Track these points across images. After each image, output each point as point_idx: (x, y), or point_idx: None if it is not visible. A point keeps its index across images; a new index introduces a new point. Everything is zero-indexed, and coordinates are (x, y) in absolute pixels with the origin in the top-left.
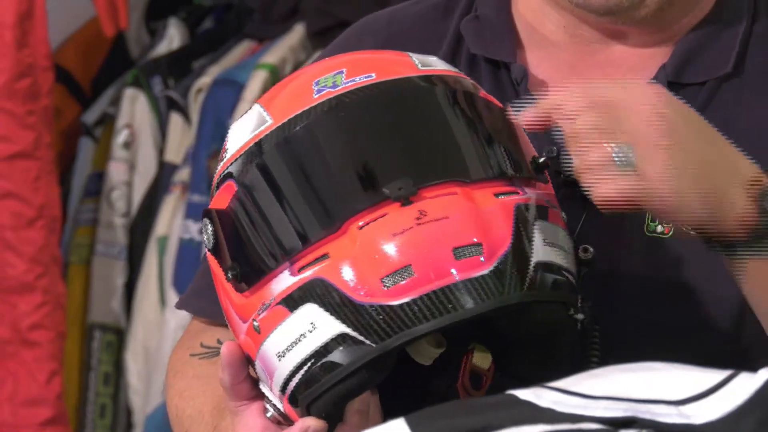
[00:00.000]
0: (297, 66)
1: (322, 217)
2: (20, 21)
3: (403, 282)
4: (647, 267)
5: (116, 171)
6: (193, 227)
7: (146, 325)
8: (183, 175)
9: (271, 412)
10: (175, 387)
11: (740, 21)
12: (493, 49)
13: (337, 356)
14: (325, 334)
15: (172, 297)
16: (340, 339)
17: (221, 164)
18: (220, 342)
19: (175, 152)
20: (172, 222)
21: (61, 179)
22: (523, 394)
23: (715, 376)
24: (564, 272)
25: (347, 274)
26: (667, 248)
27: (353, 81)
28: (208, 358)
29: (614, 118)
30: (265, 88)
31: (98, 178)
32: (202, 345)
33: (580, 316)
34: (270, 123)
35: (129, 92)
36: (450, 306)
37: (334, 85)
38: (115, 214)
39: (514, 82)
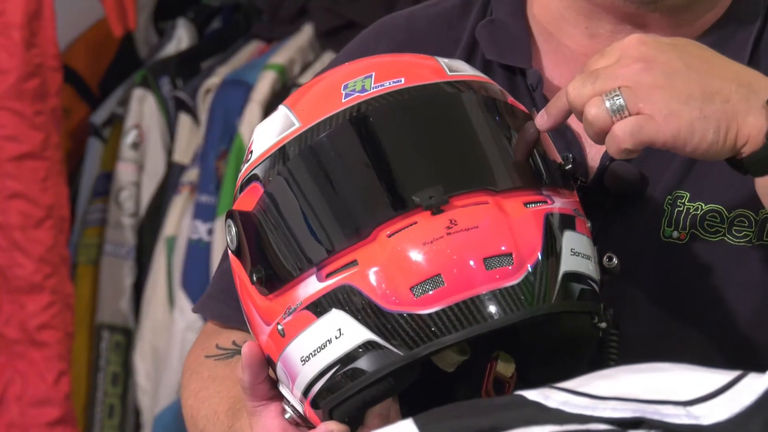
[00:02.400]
0: (305, 66)
1: (351, 223)
2: (29, 21)
3: (433, 291)
4: (663, 273)
5: (125, 171)
6: (202, 228)
7: (155, 326)
8: (191, 175)
9: (289, 413)
10: (190, 387)
11: (754, 21)
12: (508, 55)
13: (363, 363)
14: (352, 340)
15: (181, 297)
16: (367, 346)
17: (246, 165)
18: (235, 344)
19: (183, 153)
20: (180, 222)
21: (69, 179)
22: (532, 394)
23: (724, 377)
24: (590, 281)
25: (376, 281)
26: (682, 254)
27: (382, 86)
28: (224, 360)
29: (598, 75)
30: (274, 89)
31: (107, 178)
32: (217, 346)
33: (603, 325)
34: (298, 126)
35: (137, 93)
36: (479, 316)
37: (363, 90)
38: (123, 214)
39: (529, 88)
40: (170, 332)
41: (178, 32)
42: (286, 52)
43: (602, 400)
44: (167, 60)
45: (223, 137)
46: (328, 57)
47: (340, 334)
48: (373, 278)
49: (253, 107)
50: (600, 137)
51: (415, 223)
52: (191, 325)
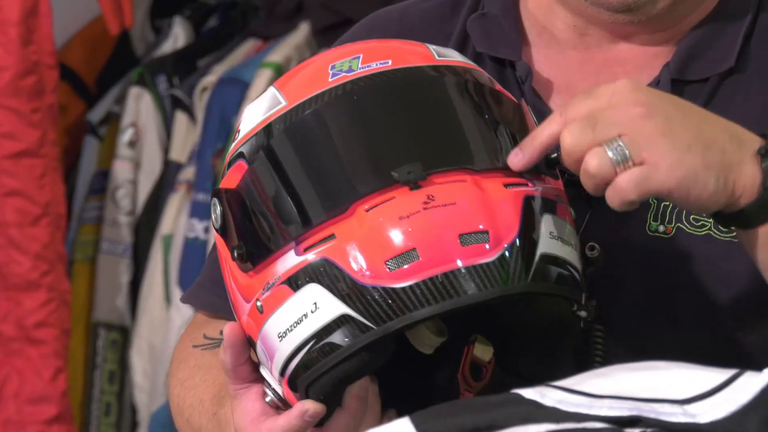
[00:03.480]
0: None
1: (330, 198)
2: (25, 18)
3: (408, 265)
4: (649, 267)
5: (121, 169)
6: (198, 226)
7: (151, 323)
8: (188, 173)
9: (270, 396)
10: (177, 377)
11: (744, 16)
12: (498, 47)
13: (337, 337)
14: (326, 314)
15: (177, 295)
16: (342, 320)
17: (233, 144)
18: (222, 334)
19: (180, 151)
20: (177, 220)
21: (66, 177)
22: (528, 393)
23: (720, 375)
24: (569, 267)
25: (352, 255)
26: (669, 248)
27: (369, 66)
28: (210, 349)
29: (596, 121)
30: None
31: (103, 176)
32: (205, 336)
33: (583, 314)
34: (284, 105)
35: (134, 91)
36: (453, 291)
37: (350, 70)
38: (120, 212)
39: (519, 80)
40: (167, 330)
41: (174, 30)
42: (282, 51)
43: (598, 399)
44: (164, 58)
45: (220, 135)
46: None
47: (315, 308)
48: (349, 252)
49: None
50: (600, 188)
51: (393, 198)
52: (188, 323)
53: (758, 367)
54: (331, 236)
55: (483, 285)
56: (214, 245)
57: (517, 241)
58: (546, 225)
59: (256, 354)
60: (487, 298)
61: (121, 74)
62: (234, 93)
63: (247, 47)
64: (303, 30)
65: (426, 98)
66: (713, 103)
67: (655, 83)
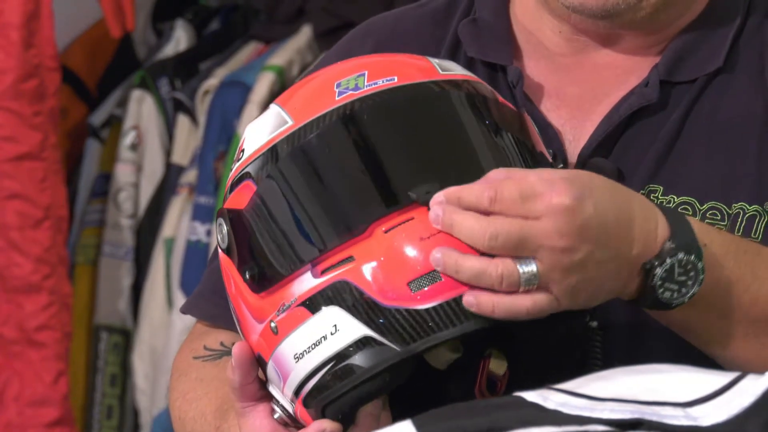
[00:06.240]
0: (304, 68)
1: (347, 219)
2: (27, 21)
3: (430, 286)
4: None
5: (123, 172)
6: (200, 229)
7: (153, 327)
8: (190, 176)
9: (278, 413)
10: (179, 389)
11: (733, 18)
12: (489, 53)
13: (358, 359)
14: (347, 336)
15: (179, 298)
16: (363, 342)
17: (237, 164)
18: (223, 345)
19: (181, 154)
20: (178, 224)
21: (67, 180)
22: (530, 395)
23: (722, 378)
24: None
25: (373, 276)
26: None
27: (375, 84)
28: (211, 361)
29: (521, 238)
30: (272, 90)
31: (105, 179)
32: (205, 348)
33: (594, 324)
34: (291, 123)
35: (136, 94)
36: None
37: (356, 87)
38: (121, 215)
39: (510, 85)
40: (168, 333)
41: (176, 33)
42: (284, 54)
43: (601, 402)
44: (166, 61)
45: (222, 138)
46: None
47: (335, 330)
48: (369, 274)
49: (252, 108)
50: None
51: (412, 218)
52: (189, 327)
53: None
54: (350, 258)
55: None
56: (214, 254)
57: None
58: None
59: (266, 373)
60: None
61: (122, 77)
62: (236, 96)
63: (248, 50)
64: (304, 33)
65: (436, 115)
66: (700, 103)
67: (644, 85)
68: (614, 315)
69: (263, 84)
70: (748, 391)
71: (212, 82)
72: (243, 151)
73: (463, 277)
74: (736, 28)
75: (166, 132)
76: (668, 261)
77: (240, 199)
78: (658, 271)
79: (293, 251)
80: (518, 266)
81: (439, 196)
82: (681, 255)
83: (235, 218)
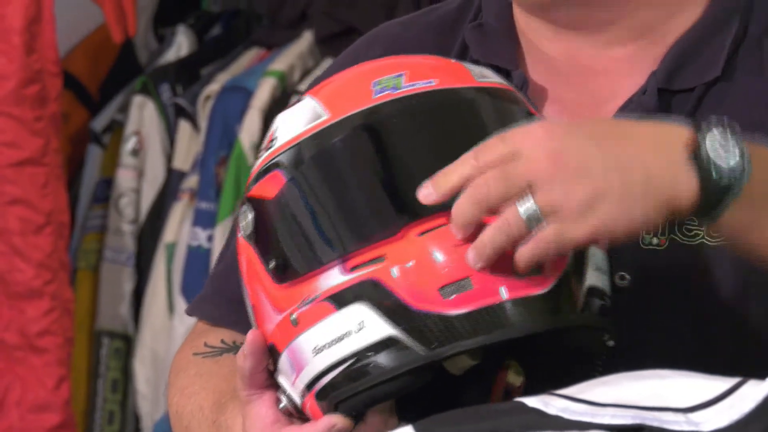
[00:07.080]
0: (305, 73)
1: (381, 219)
2: (28, 26)
3: (461, 294)
4: (645, 280)
5: (124, 178)
6: (202, 234)
7: (154, 332)
8: (191, 182)
9: (284, 403)
10: (177, 385)
11: (733, 24)
12: (494, 56)
13: (381, 359)
14: (373, 335)
15: (181, 304)
16: (388, 342)
17: (267, 152)
18: (224, 342)
19: (183, 159)
20: (180, 229)
21: (69, 185)
22: (532, 401)
23: (723, 383)
24: (606, 297)
25: (403, 278)
26: (663, 260)
27: (414, 85)
28: (211, 357)
29: (508, 174)
30: (274, 96)
31: (106, 184)
32: (205, 344)
33: (611, 343)
34: (327, 116)
35: (137, 99)
36: (505, 322)
37: (395, 88)
38: (123, 220)
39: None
40: (170, 338)
41: (178, 38)
42: (286, 59)
43: (602, 407)
44: (167, 66)
45: (223, 144)
46: (327, 63)
47: (360, 327)
48: (400, 275)
49: (253, 114)
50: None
51: (446, 224)
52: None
53: (761, 376)
54: (380, 258)
55: (534, 317)
56: (219, 258)
57: (567, 273)
58: (591, 256)
59: (276, 363)
60: (537, 331)
61: (124, 83)
62: (237, 101)
63: (250, 56)
64: (306, 38)
65: (475, 121)
66: (699, 112)
67: (642, 92)
68: (615, 326)
69: (265, 89)
70: (749, 396)
71: (213, 87)
72: (273, 140)
73: (491, 250)
74: (735, 34)
75: (168, 137)
76: (709, 133)
77: (269, 188)
78: (707, 139)
79: (322, 245)
80: (517, 206)
81: (426, 184)
82: (716, 130)
83: (261, 207)
